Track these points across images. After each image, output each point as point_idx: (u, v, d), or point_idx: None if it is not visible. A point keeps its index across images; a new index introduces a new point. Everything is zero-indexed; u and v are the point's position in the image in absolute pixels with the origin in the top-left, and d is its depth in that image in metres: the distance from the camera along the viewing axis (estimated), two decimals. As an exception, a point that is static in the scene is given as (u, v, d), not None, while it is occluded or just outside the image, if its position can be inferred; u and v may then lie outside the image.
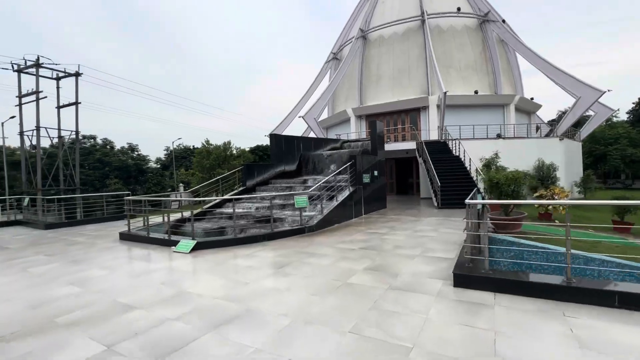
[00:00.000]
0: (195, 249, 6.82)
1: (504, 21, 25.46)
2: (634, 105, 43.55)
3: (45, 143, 21.67)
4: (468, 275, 4.07)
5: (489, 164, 16.03)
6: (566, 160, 20.39)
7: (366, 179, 11.79)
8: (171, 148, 46.85)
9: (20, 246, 8.27)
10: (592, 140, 34.82)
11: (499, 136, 20.47)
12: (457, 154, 17.41)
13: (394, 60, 25.63)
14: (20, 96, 20.98)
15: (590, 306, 3.40)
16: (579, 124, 27.18)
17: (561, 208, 9.62)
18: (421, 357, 2.63)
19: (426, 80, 24.16)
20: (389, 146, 18.72)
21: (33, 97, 20.67)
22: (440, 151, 17.52)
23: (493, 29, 25.13)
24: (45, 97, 21.04)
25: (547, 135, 23.58)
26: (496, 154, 16.25)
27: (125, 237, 8.57)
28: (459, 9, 25.13)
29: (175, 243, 7.12)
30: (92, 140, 42.46)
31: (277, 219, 9.15)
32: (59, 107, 21.92)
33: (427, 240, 7.12)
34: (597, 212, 13.80)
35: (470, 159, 16.05)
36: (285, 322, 3.31)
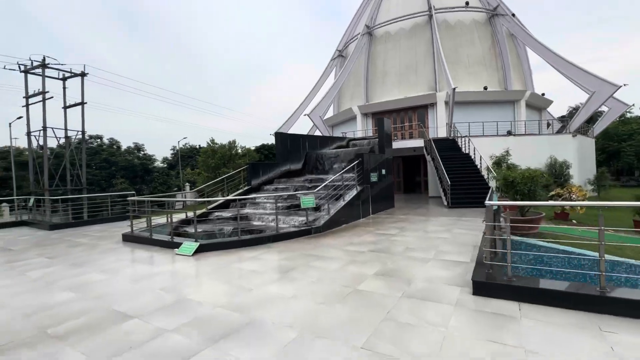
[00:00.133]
0: (198, 251, 6.60)
1: (513, 15, 24.82)
2: (648, 101, 42.33)
3: (52, 143, 21.73)
4: (489, 283, 3.75)
5: (499, 162, 15.60)
6: (579, 157, 19.81)
7: (374, 177, 11.47)
8: (177, 148, 46.99)
9: (23, 247, 8.15)
10: (605, 136, 33.97)
11: (509, 133, 19.95)
12: (467, 152, 16.98)
13: (401, 57, 25.18)
14: (27, 97, 21.05)
15: (628, 319, 3.07)
16: (591, 120, 26.45)
17: (579, 208, 9.20)
18: (444, 379, 2.34)
19: (434, 76, 23.68)
20: (396, 144, 18.34)
21: (40, 98, 20.72)
22: (449, 149, 17.10)
23: (502, 23, 24.52)
24: (52, 97, 21.08)
25: (559, 132, 22.93)
26: (507, 152, 15.81)
27: (128, 238, 8.40)
28: (467, 3, 24.56)
29: (178, 245, 6.90)
30: (98, 140, 42.74)
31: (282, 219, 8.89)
32: (65, 108, 21.96)
33: (440, 242, 6.80)
34: (614, 211, 13.27)
35: (481, 156, 15.61)
36: (292, 335, 3.04)
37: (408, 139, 22.41)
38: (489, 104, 22.70)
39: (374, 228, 8.83)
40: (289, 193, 10.02)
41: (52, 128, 20.99)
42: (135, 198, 8.89)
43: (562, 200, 9.50)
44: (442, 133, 21.64)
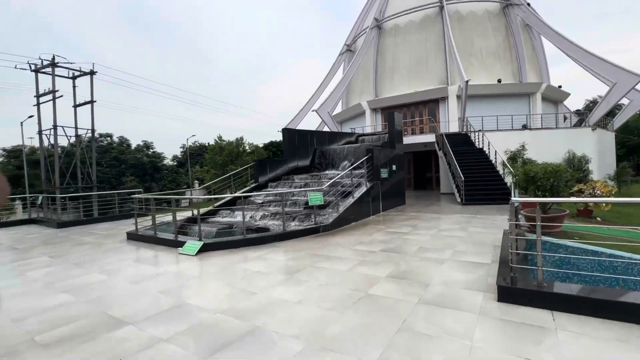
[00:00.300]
0: (202, 250, 6.36)
1: (528, 4, 23.90)
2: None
3: (63, 142, 21.92)
4: (516, 289, 3.37)
5: (514, 157, 15.01)
6: (599, 151, 18.99)
7: (384, 173, 11.08)
8: (186, 146, 47.22)
9: (28, 246, 8.06)
10: (624, 130, 32.60)
11: (524, 127, 19.25)
12: (480, 147, 16.40)
13: (411, 50, 24.56)
14: (37, 96, 21.22)
15: (684, 333, 2.66)
16: (610, 113, 25.38)
17: (604, 205, 8.65)
18: (474, 406, 1.99)
19: (445, 69, 23.02)
20: (407, 139, 17.85)
21: (50, 97, 20.87)
22: (461, 144, 16.55)
23: (517, 13, 23.64)
24: (62, 96, 21.19)
25: (577, 125, 22.05)
26: (522, 146, 15.21)
27: (133, 237, 8.23)
28: (480, -7, 23.77)
29: (182, 244, 6.68)
30: (108, 138, 43.20)
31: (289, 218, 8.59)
32: (75, 106, 22.08)
33: (456, 241, 6.40)
34: (637, 208, 12.58)
35: (496, 151, 15.03)
36: (297, 348, 2.73)
37: (419, 134, 21.85)
38: (503, 97, 21.96)
39: (385, 226, 8.47)
40: (296, 190, 9.72)
41: (62, 127, 21.12)
42: (140, 196, 8.72)
43: (585, 196, 8.95)
44: (454, 128, 21.03)
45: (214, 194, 14.83)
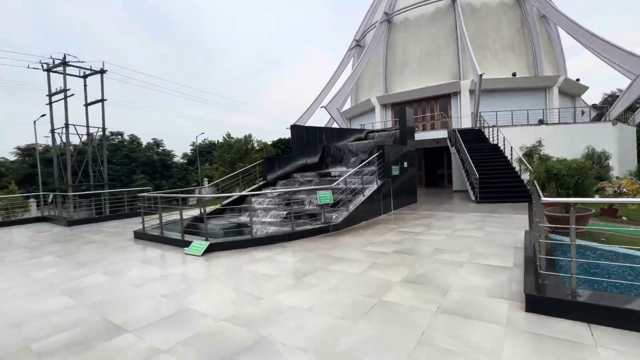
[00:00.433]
0: (208, 250, 6.18)
1: (545, -6, 23.03)
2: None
3: (75, 140, 22.14)
4: (548, 298, 3.06)
5: (530, 153, 14.50)
6: (619, 147, 18.17)
7: (395, 171, 10.76)
8: (196, 143, 47.48)
9: (37, 245, 8.04)
10: (646, 124, 31.34)
11: (541, 122, 18.58)
12: (495, 143, 15.88)
13: (422, 44, 23.98)
14: (50, 95, 21.45)
15: None
16: (630, 107, 24.36)
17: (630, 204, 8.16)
18: None
19: (457, 64, 22.41)
20: (418, 135, 17.40)
21: (62, 96, 21.08)
22: (475, 140, 16.04)
23: (533, 3, 22.80)
24: (73, 94, 21.38)
25: (596, 120, 21.21)
26: (539, 142, 14.67)
27: (140, 235, 8.13)
28: (494, -17, 23.00)
29: (188, 244, 6.52)
30: (119, 136, 43.71)
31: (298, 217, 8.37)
32: (86, 105, 22.28)
33: (473, 242, 6.07)
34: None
35: (512, 147, 14.51)
36: (306, 363, 2.50)
37: (430, 130, 21.36)
38: (517, 92, 21.27)
39: (397, 225, 8.17)
40: (304, 188, 9.48)
41: (74, 125, 21.32)
42: (147, 194, 8.61)
43: (609, 195, 8.47)
44: (466, 123, 20.47)
45: (223, 192, 14.72)
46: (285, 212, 8.80)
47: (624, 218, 8.28)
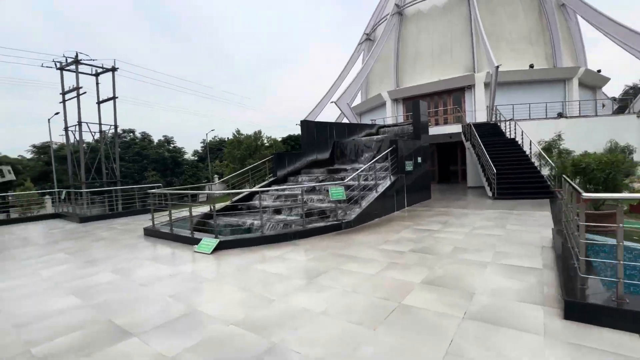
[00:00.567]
0: (218, 248, 6.02)
1: (564, -18, 22.09)
2: None
3: (88, 138, 22.41)
4: (590, 305, 2.75)
5: (549, 147, 13.92)
6: (645, 140, 17.34)
7: (409, 166, 10.41)
8: (206, 140, 47.73)
9: (49, 241, 8.04)
10: (670, 117, 29.95)
11: (560, 115, 17.86)
12: (512, 137, 15.31)
13: (434, 36, 23.34)
14: (63, 93, 21.70)
15: None
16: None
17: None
18: None
19: (471, 56, 21.73)
20: (431, 130, 16.89)
21: (75, 94, 21.31)
22: (491, 134, 15.50)
23: (551, -9, 21.89)
24: (85, 92, 21.60)
25: (618, 113, 20.30)
26: (559, 136, 14.07)
27: (149, 232, 8.04)
28: (510, -29, 22.15)
29: (198, 241, 6.37)
30: (131, 134, 44.24)
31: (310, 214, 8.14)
32: (98, 103, 22.49)
33: (495, 240, 5.74)
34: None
35: (530, 141, 13.95)
36: (323, 375, 2.26)
37: (443, 124, 20.80)
38: (535, 84, 20.50)
39: (412, 222, 7.86)
40: (316, 184, 9.24)
41: (86, 123, 21.54)
42: (156, 191, 8.51)
43: (638, 191, 7.95)
44: (481, 117, 19.87)
45: (233, 188, 14.62)
46: (295, 209, 8.59)
47: (655, 215, 7.77)
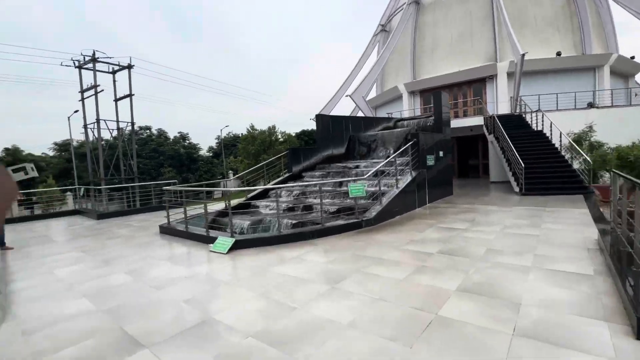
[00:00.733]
0: (234, 247, 5.78)
1: (595, -37, 20.73)
2: None
3: (106, 135, 22.73)
4: (671, 324, 2.32)
5: (579, 139, 13.12)
6: (684, 131, 16.14)
7: (430, 160, 9.93)
8: (221, 136, 48.03)
9: (67, 239, 8.03)
10: None
11: (590, 105, 16.82)
12: (539, 129, 14.51)
13: (453, 25, 22.43)
14: (82, 91, 22.05)
15: None
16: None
17: None
18: None
19: (493, 45, 20.76)
20: (451, 123, 16.28)
21: (93, 92, 21.62)
22: (515, 126, 14.75)
23: (581, -26, 20.59)
24: (102, 90, 21.88)
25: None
26: (590, 127, 13.24)
27: (165, 230, 7.91)
28: (535, -46, 20.95)
29: (213, 240, 6.15)
30: (147, 130, 44.91)
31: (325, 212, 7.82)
32: (116, 100, 22.76)
33: (532, 241, 5.26)
34: None
35: (560, 133, 13.16)
36: (357, 405, 1.94)
37: (462, 117, 20.02)
38: (562, 73, 19.41)
39: (435, 220, 7.42)
40: (333, 180, 8.90)
41: (104, 120, 21.86)
42: (171, 188, 8.37)
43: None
44: (503, 109, 19.00)
45: (247, 184, 14.45)
46: (313, 206, 8.28)
47: None
